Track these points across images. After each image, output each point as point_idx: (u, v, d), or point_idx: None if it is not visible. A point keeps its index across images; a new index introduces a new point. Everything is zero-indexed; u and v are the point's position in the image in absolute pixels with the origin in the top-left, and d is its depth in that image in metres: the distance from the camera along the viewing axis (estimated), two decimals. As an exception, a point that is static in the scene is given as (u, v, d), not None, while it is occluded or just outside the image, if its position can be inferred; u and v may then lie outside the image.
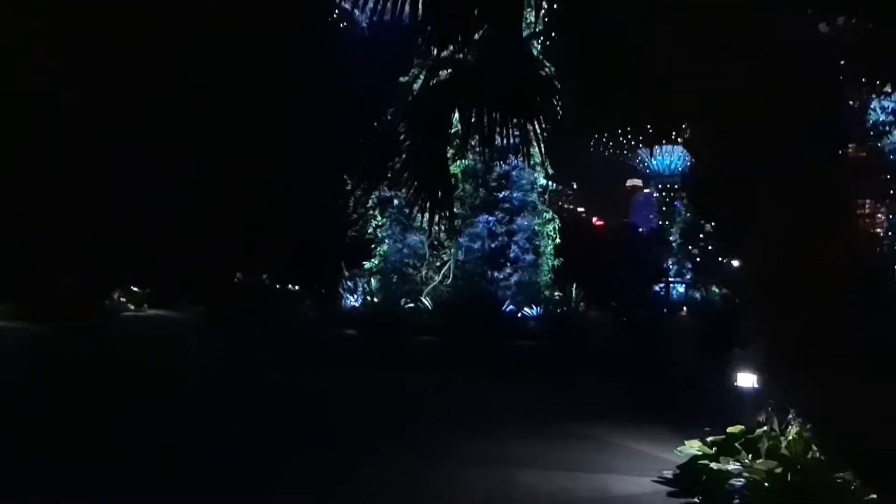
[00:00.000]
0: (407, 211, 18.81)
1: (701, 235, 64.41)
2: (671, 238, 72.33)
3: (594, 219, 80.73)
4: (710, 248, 62.09)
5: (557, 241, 23.40)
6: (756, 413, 6.74)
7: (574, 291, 22.99)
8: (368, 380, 12.47)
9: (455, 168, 22.40)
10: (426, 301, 22.02)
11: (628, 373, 14.32)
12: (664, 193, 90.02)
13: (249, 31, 29.25)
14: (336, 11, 35.61)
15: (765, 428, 6.20)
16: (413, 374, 13.50)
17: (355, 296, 23.60)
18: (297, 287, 33.73)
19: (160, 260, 26.69)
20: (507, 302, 21.43)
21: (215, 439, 7.36)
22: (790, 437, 5.40)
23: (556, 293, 22.82)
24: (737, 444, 6.11)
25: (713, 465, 5.99)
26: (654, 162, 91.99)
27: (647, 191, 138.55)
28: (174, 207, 29.46)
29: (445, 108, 4.45)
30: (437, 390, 11.63)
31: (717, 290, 59.01)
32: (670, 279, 61.68)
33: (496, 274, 22.19)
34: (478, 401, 10.70)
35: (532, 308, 21.55)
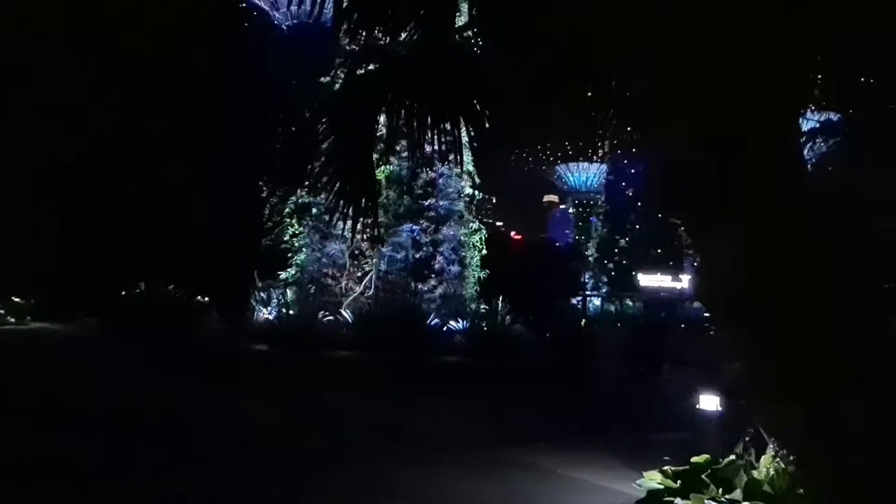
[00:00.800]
0: (327, 218, 17.58)
1: (616, 250, 66.49)
2: (588, 253, 74.27)
3: (512, 233, 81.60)
4: (624, 262, 64.11)
5: (483, 251, 22.74)
6: (720, 440, 6.11)
7: (500, 304, 22.37)
8: (279, 399, 11.14)
9: (378, 174, 21.36)
10: (346, 314, 20.75)
11: (562, 390, 13.70)
12: (580, 209, 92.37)
13: (159, 28, 27.54)
14: (253, 12, 33.99)
15: (731, 457, 5.54)
16: (331, 392, 12.28)
17: (269, 308, 21.98)
18: (206, 298, 31.51)
19: (46, 268, 24.08)
20: (431, 315, 20.49)
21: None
22: (771, 471, 4.73)
23: (482, 306, 22.10)
24: (704, 477, 5.40)
25: (680, 501, 5.25)
26: (572, 178, 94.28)
27: (563, 206, 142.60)
28: (65, 211, 26.91)
29: (371, 106, 4.11)
30: (358, 411, 10.52)
31: (630, 303, 60.99)
32: (587, 293, 62.88)
33: (420, 286, 21.24)
34: (405, 423, 9.73)
35: (458, 321, 20.71)
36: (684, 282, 60.53)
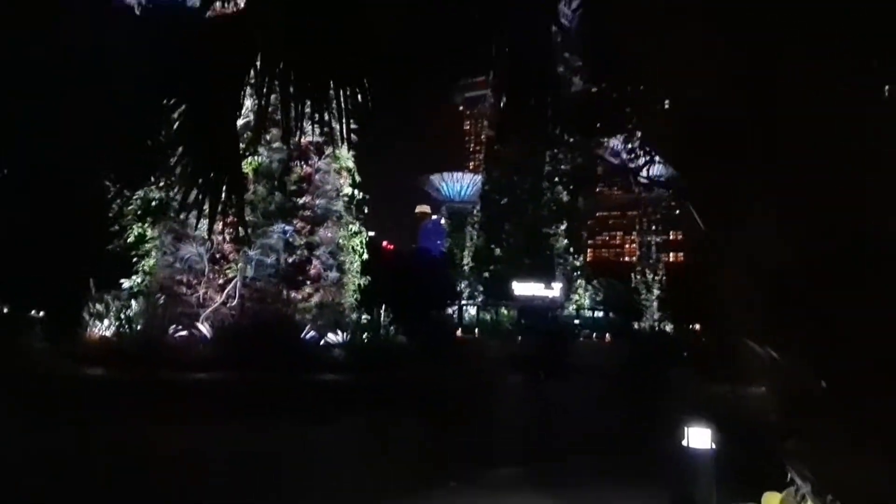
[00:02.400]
0: (182, 216, 14.71)
1: (491, 259, 66.82)
2: (463, 263, 74.32)
3: (384, 243, 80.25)
4: (499, 271, 64.48)
5: (365, 256, 20.67)
6: (713, 488, 4.62)
7: (382, 314, 20.38)
8: (115, 434, 8.42)
9: (245, 166, 18.63)
10: (203, 328, 17.73)
11: (460, 408, 11.97)
12: (454, 219, 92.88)
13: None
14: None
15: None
16: (177, 426, 9.65)
17: (107, 322, 18.38)
18: (39, 313, 26.57)
19: None
20: (307, 327, 18.04)
21: None
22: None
23: (363, 316, 19.98)
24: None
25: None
26: (446, 188, 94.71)
27: (434, 217, 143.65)
28: None
29: (236, 77, 3.11)
30: (210, 448, 8.15)
31: (505, 312, 61.41)
32: (463, 302, 62.59)
33: (294, 294, 18.72)
34: (271, 463, 7.56)
35: (337, 334, 18.43)
36: (556, 290, 62.02)
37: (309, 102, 3.04)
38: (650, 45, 2.93)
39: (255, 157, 18.42)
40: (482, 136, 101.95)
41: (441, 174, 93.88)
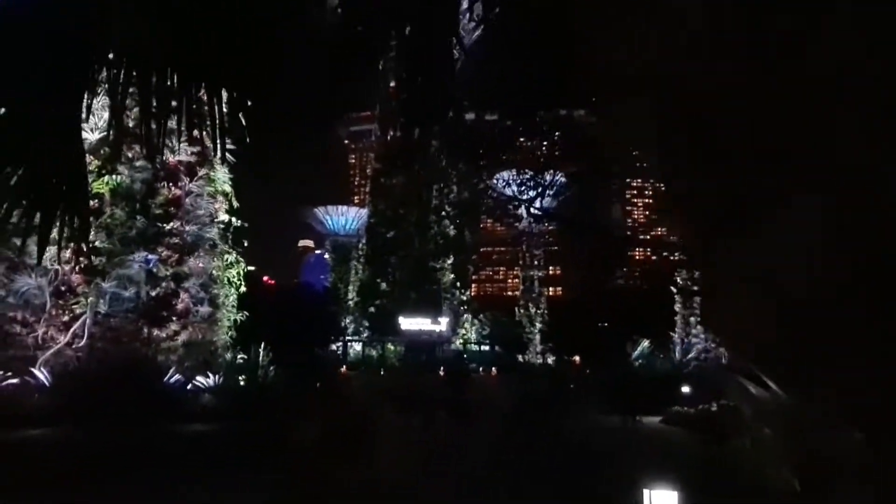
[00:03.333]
0: (18, 242, 12.25)
1: (377, 293, 65.23)
2: (348, 297, 72.06)
3: (265, 277, 76.53)
4: (385, 305, 62.97)
5: (242, 288, 18.71)
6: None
7: (261, 353, 18.44)
8: None
9: (100, 185, 16.29)
10: (41, 373, 14.97)
11: (365, 462, 10.51)
12: (338, 253, 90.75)
13: None
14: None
15: None
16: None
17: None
18: None
19: None
20: (171, 370, 15.77)
21: None
22: None
23: (239, 356, 17.92)
24: None
25: None
26: (330, 221, 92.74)
27: (318, 251, 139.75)
28: None
29: (78, 54, 2.50)
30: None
31: (392, 348, 59.83)
32: (348, 338, 60.45)
33: (157, 332, 16.39)
34: None
35: (208, 376, 16.26)
36: (443, 324, 61.42)
37: (176, 113, 2.49)
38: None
39: (114, 177, 16.15)
40: (368, 170, 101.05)
41: (325, 207, 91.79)
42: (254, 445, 12.13)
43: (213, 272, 18.07)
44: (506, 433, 14.39)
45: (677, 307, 34.87)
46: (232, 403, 15.41)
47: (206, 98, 2.51)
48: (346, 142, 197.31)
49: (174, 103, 2.51)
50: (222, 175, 18.58)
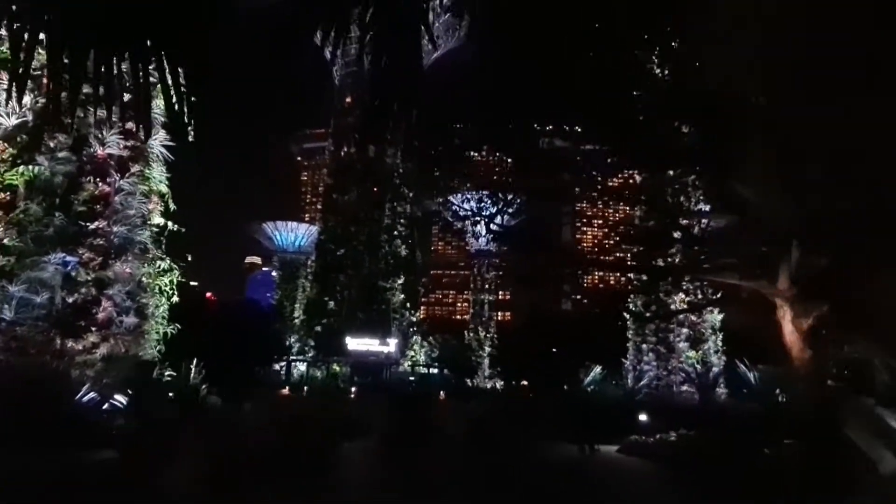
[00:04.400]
0: None
1: (324, 312, 63.13)
2: (294, 315, 69.65)
3: (208, 294, 73.44)
4: (332, 325, 60.96)
5: (175, 299, 17.05)
6: None
7: (193, 370, 16.78)
8: None
9: (13, 177, 14.54)
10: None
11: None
12: (286, 270, 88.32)
13: None
14: None
15: None
16: None
17: None
18: None
19: None
20: (85, 387, 13.98)
21: None
22: None
23: (167, 373, 16.22)
24: None
25: None
26: (279, 237, 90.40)
27: (265, 269, 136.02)
28: None
29: None
30: None
31: (338, 368, 57.78)
32: (292, 357, 58.17)
33: (72, 344, 14.60)
34: None
35: (129, 395, 14.52)
36: (392, 346, 59.81)
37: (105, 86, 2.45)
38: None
39: (31, 168, 14.43)
40: (320, 187, 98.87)
41: (274, 223, 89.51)
42: (167, 477, 10.57)
43: (143, 279, 16.38)
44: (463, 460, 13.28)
45: (629, 333, 34.46)
46: (150, 426, 13.69)
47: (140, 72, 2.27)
48: (299, 158, 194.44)
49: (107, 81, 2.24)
50: (158, 173, 17.00)
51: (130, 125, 16.05)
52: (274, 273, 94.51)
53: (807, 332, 12.65)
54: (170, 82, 2.58)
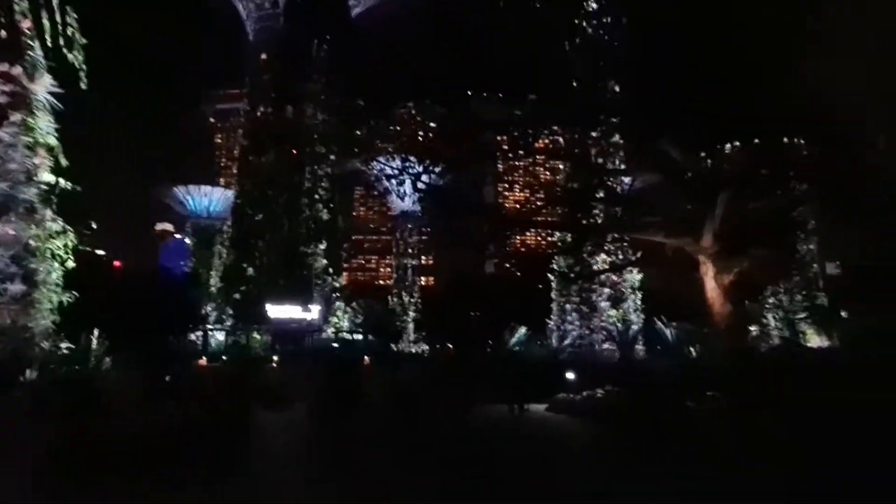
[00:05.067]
0: None
1: (242, 279, 60.70)
2: (210, 283, 66.75)
3: (115, 262, 69.11)
4: (251, 292, 58.74)
5: (71, 264, 15.41)
6: None
7: (95, 342, 15.33)
8: None
9: None
10: None
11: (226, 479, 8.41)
12: (200, 237, 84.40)
13: None
14: None
15: None
16: None
17: None
18: None
19: None
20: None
21: None
22: None
23: (63, 345, 14.70)
24: None
25: None
26: (192, 202, 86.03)
27: (178, 236, 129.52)
28: None
29: None
30: None
31: (258, 337, 55.96)
32: (209, 327, 55.80)
33: (-55, 315, 12.89)
34: None
35: (21, 371, 13.02)
36: (314, 312, 58.42)
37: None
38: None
39: None
40: (235, 151, 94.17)
41: (186, 186, 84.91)
42: (83, 455, 9.45)
43: (31, 242, 14.67)
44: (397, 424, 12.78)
45: (553, 294, 34.92)
46: (51, 401, 12.32)
47: None
48: (212, 120, 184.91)
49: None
50: (45, 124, 15.12)
51: (8, 67, 14.16)
52: (188, 240, 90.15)
53: (727, 288, 12.86)
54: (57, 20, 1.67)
